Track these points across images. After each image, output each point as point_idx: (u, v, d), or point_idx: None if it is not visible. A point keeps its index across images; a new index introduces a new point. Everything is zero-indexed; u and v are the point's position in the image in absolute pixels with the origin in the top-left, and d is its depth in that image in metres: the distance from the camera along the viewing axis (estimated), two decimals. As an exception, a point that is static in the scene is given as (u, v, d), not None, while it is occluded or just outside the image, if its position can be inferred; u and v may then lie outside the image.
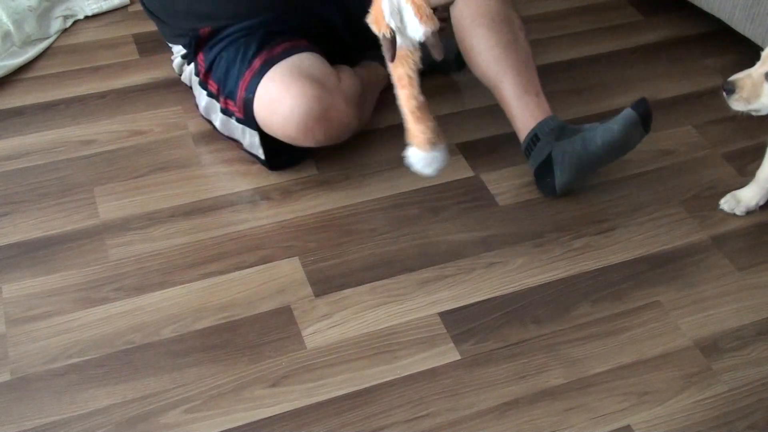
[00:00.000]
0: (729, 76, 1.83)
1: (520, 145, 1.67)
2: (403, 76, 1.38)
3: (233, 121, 1.64)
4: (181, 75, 1.79)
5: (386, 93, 1.79)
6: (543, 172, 1.63)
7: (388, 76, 1.75)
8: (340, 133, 1.61)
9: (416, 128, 1.42)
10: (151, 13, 1.72)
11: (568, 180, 1.61)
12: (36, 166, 1.73)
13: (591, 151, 1.56)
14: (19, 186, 1.68)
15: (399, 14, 1.33)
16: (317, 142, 1.60)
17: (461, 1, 1.72)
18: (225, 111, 1.65)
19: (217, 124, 1.70)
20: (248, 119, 1.60)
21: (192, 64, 1.69)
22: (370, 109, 1.79)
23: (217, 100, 1.65)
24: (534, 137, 1.62)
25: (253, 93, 1.57)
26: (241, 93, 1.59)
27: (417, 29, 1.32)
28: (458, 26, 1.75)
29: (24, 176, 1.70)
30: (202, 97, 1.69)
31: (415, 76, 1.38)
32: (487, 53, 1.66)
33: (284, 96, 1.54)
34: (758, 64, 1.37)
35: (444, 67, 1.91)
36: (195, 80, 1.70)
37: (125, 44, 2.07)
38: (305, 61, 1.58)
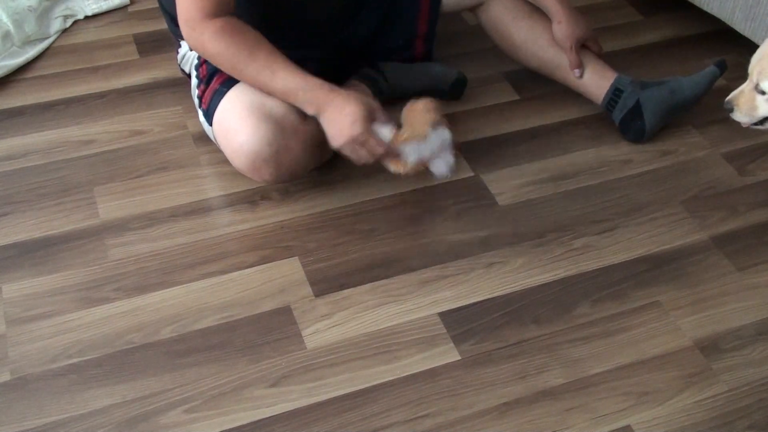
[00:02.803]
0: (729, 76, 1.84)
1: (601, 104, 1.81)
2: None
3: (200, 112, 1.65)
4: (181, 62, 1.78)
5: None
6: (630, 119, 1.77)
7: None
8: (291, 176, 1.58)
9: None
10: (167, 12, 1.70)
11: (657, 123, 1.76)
12: (36, 166, 1.73)
13: (678, 99, 1.75)
14: (19, 186, 1.68)
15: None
16: (265, 181, 1.59)
17: (494, 5, 1.83)
18: (199, 98, 1.64)
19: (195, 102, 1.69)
20: (207, 119, 1.61)
21: None
22: None
23: (198, 85, 1.65)
24: (616, 91, 1.76)
25: (214, 109, 1.56)
26: (210, 91, 1.58)
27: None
28: (499, 29, 1.86)
29: (24, 176, 1.70)
30: (192, 79, 1.69)
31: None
32: (539, 41, 1.81)
33: (238, 129, 1.50)
34: (747, 80, 1.44)
35: (440, 95, 1.89)
36: (194, 63, 1.68)
37: (125, 44, 2.07)
38: None
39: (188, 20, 1.46)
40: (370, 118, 1.48)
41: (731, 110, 1.46)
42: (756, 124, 1.47)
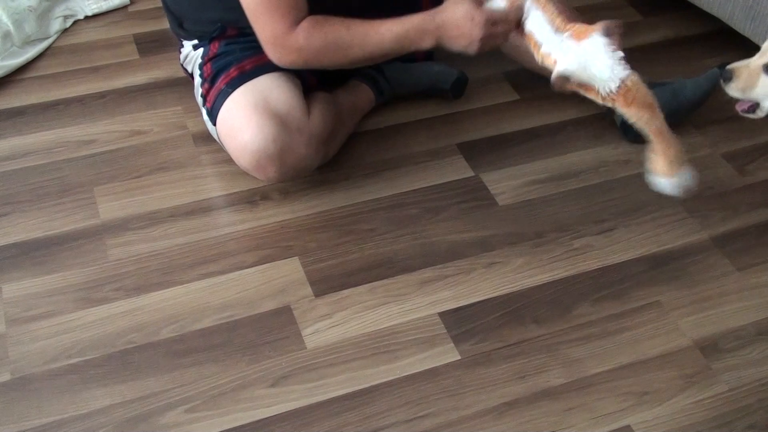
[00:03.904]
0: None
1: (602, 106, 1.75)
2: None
3: (203, 111, 1.65)
4: (183, 61, 1.77)
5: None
6: None
7: (373, 101, 1.75)
8: (296, 174, 1.58)
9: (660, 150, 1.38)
10: (172, 14, 1.70)
11: None
12: (36, 166, 1.73)
13: (680, 101, 1.74)
14: (19, 186, 1.68)
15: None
16: (269, 180, 1.59)
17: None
18: (203, 96, 1.64)
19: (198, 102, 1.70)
20: (211, 118, 1.61)
21: (201, 49, 1.67)
22: (343, 139, 1.74)
23: (202, 84, 1.65)
24: None
25: (219, 108, 1.56)
26: (215, 90, 1.58)
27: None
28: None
29: (24, 176, 1.70)
30: (196, 78, 1.69)
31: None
32: None
33: (243, 127, 1.51)
34: (757, 55, 1.39)
35: (441, 94, 1.90)
36: (198, 63, 1.68)
37: (125, 44, 2.07)
38: (274, 91, 1.53)
39: (280, 34, 1.46)
40: (479, 6, 1.48)
41: (729, 78, 1.39)
42: (747, 111, 1.43)
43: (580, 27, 1.40)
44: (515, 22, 1.47)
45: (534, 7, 1.43)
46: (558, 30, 1.40)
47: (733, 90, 1.40)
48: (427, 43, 1.50)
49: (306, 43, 1.46)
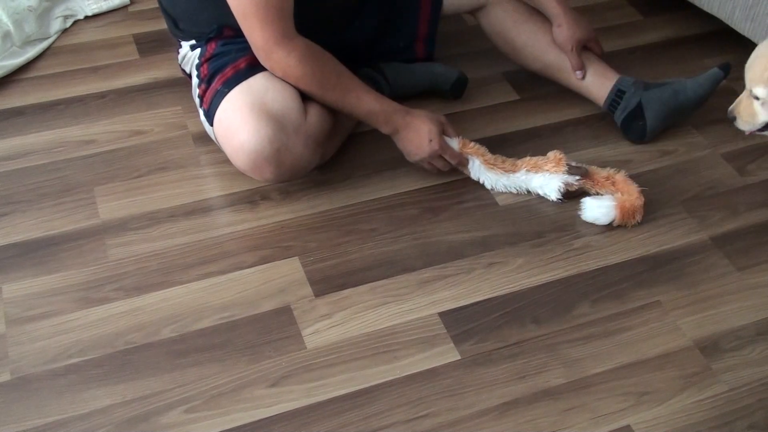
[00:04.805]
0: (729, 76, 1.84)
1: (603, 105, 1.80)
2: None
3: (201, 111, 1.65)
4: (181, 62, 1.77)
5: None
6: (632, 120, 1.77)
7: None
8: (293, 175, 1.58)
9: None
10: (168, 15, 1.70)
11: (659, 125, 1.76)
12: (36, 166, 1.73)
13: (681, 101, 1.73)
14: (19, 186, 1.68)
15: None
16: (266, 181, 1.59)
17: (495, 9, 1.83)
18: (200, 98, 1.64)
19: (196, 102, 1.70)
20: (208, 119, 1.61)
21: (198, 50, 1.67)
22: (341, 140, 1.74)
23: (199, 85, 1.65)
24: (618, 92, 1.76)
25: (215, 109, 1.56)
26: (212, 91, 1.58)
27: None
28: (500, 32, 1.85)
29: (24, 176, 1.71)
30: (193, 79, 1.69)
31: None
32: (541, 44, 1.81)
33: (239, 128, 1.51)
34: (745, 90, 1.45)
35: (441, 94, 1.90)
36: (195, 63, 1.68)
37: (125, 44, 2.07)
38: (271, 91, 1.53)
39: (267, 43, 1.49)
40: (442, 134, 1.62)
41: (734, 119, 1.47)
42: (761, 130, 1.47)
43: (529, 161, 1.66)
44: (456, 166, 1.66)
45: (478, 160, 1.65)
46: (511, 171, 1.65)
47: (742, 125, 1.48)
48: (386, 129, 1.61)
49: (295, 64, 1.50)
